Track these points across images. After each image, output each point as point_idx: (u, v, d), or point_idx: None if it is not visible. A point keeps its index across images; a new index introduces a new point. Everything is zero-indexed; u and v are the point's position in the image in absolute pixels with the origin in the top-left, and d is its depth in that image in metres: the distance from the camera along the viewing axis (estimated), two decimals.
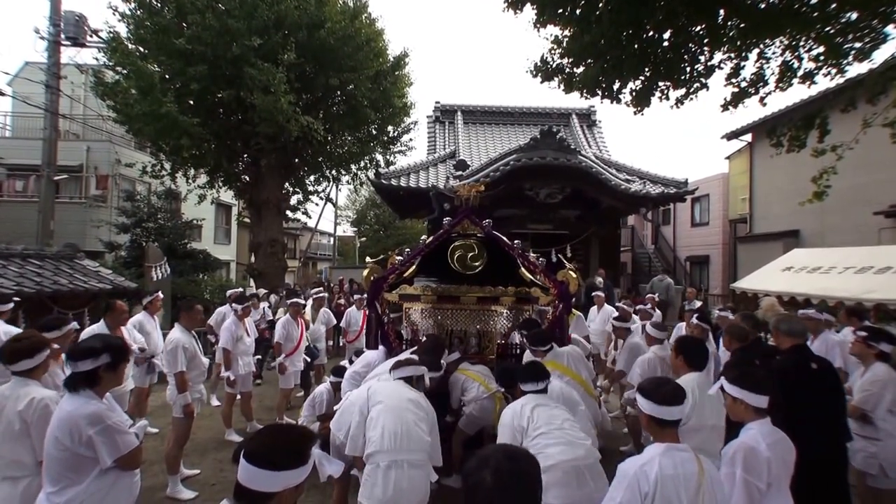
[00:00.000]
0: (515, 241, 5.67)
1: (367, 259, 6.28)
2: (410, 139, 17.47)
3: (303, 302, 7.76)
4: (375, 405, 3.36)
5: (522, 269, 5.42)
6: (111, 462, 2.56)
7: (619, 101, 6.06)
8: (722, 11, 5.08)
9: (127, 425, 2.71)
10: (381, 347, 5.27)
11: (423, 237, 5.87)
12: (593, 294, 9.83)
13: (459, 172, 13.63)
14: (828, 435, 3.45)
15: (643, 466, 2.25)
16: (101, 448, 2.55)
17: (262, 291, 11.36)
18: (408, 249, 5.78)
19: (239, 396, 6.62)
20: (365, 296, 7.04)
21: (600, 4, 5.10)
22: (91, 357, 2.63)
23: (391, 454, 3.13)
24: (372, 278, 5.42)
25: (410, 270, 5.44)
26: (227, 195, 19.35)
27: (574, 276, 5.40)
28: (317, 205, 19.82)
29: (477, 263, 5.36)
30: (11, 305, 5.66)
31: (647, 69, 5.69)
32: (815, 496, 3.13)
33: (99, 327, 5.49)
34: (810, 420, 3.31)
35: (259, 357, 8.00)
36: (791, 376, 3.53)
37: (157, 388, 6.55)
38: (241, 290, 8.61)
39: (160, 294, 6.75)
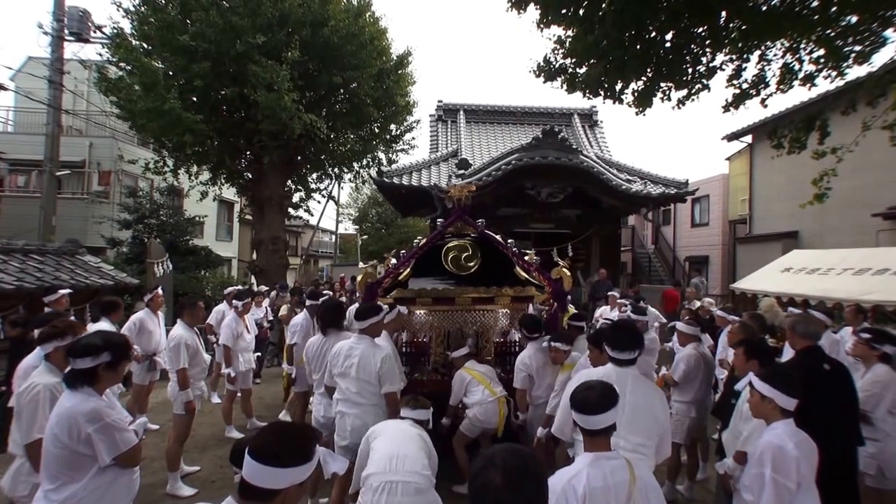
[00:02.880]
0: (509, 241, 5.68)
1: (360, 264, 6.30)
2: (413, 138, 17.45)
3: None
4: (376, 439, 3.22)
5: (517, 267, 5.43)
6: (110, 460, 2.54)
7: (621, 101, 6.07)
8: (724, 13, 5.08)
9: (126, 422, 2.70)
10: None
11: (418, 238, 5.86)
12: (608, 294, 9.88)
13: (461, 171, 13.65)
14: (839, 437, 3.37)
15: (571, 480, 2.11)
16: (99, 446, 2.52)
17: (265, 288, 11.38)
18: (402, 252, 5.79)
19: (239, 394, 6.65)
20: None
21: (603, 5, 5.11)
22: (91, 355, 2.60)
23: (383, 475, 2.91)
24: (367, 282, 5.41)
25: (405, 273, 5.43)
26: (229, 192, 19.40)
27: (567, 273, 5.39)
28: (319, 202, 19.91)
29: (471, 264, 5.34)
30: (58, 296, 5.77)
31: (649, 70, 5.70)
32: (825, 498, 3.10)
33: (103, 325, 5.38)
34: (821, 422, 3.20)
35: (259, 354, 8.01)
36: (803, 377, 3.46)
37: (158, 385, 6.58)
38: (239, 287, 8.59)
39: (160, 290, 6.77)
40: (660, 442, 2.93)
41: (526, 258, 5.57)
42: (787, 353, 5.44)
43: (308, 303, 6.53)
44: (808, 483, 2.48)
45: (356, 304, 8.35)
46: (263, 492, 1.57)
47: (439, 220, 5.79)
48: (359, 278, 5.64)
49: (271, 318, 9.66)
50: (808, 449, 2.54)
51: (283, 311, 8.91)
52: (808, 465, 2.49)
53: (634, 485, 2.13)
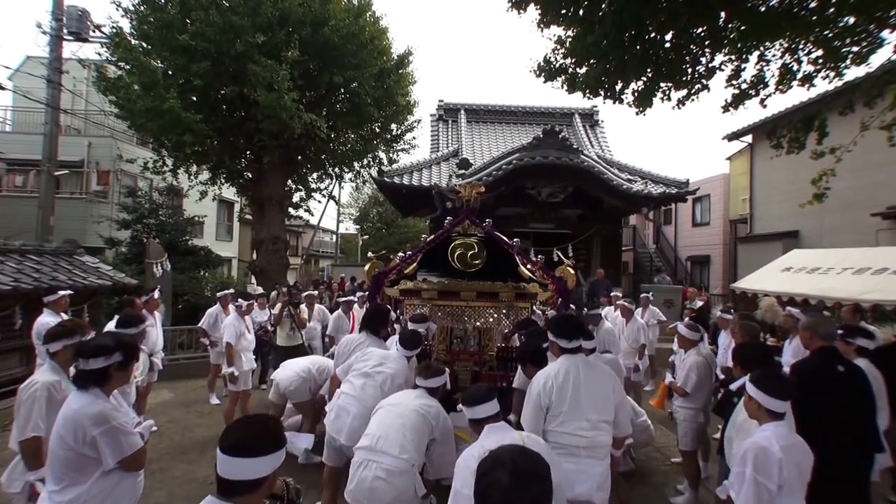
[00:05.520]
0: (515, 240, 5.70)
1: (370, 254, 6.31)
2: (414, 137, 17.40)
3: (354, 299, 7.77)
4: (376, 412, 3.43)
5: (521, 266, 5.44)
6: (114, 463, 2.53)
7: (621, 101, 6.07)
8: (723, 14, 5.09)
9: (133, 424, 2.69)
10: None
11: (423, 236, 5.89)
12: (610, 294, 9.83)
13: (462, 171, 13.66)
14: (851, 440, 3.28)
15: (471, 451, 2.55)
16: (104, 449, 2.50)
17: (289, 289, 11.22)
18: (410, 252, 5.82)
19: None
20: (366, 293, 7.08)
21: (603, 5, 5.12)
22: (104, 355, 2.61)
23: (365, 452, 3.18)
24: (374, 273, 5.45)
25: (412, 267, 5.47)
26: (229, 192, 19.38)
27: (571, 272, 5.41)
28: (319, 202, 19.86)
29: (477, 262, 5.38)
30: (58, 297, 5.72)
31: (648, 70, 5.70)
32: (835, 502, 3.05)
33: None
34: (833, 424, 3.21)
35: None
36: (816, 379, 3.41)
37: (157, 387, 6.57)
38: (231, 291, 8.53)
39: (156, 292, 6.76)
40: (616, 416, 3.25)
41: (529, 258, 5.60)
42: (787, 352, 5.47)
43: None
44: (795, 489, 2.45)
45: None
46: (249, 484, 1.62)
47: (448, 218, 5.80)
48: (366, 267, 5.73)
49: (274, 322, 9.59)
50: (799, 454, 2.50)
51: (277, 309, 8.88)
52: (797, 470, 2.45)
53: (524, 439, 2.53)
